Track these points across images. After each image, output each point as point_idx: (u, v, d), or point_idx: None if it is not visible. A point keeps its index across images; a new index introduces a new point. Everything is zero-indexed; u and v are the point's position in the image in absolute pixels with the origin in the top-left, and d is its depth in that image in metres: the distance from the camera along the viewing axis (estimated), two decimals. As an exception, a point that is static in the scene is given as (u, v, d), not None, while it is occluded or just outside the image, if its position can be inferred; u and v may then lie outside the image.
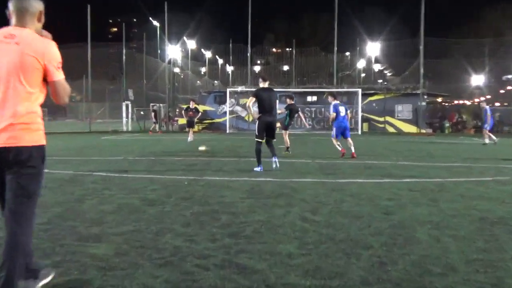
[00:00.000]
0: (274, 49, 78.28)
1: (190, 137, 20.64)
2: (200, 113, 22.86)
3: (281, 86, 37.11)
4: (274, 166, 9.95)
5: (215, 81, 52.90)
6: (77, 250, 4.20)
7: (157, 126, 32.58)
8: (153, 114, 33.14)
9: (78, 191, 7.33)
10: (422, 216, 5.63)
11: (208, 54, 60.91)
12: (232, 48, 48.93)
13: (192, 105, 22.10)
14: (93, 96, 40.42)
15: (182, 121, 32.84)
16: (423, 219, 5.46)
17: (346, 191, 7.43)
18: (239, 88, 34.53)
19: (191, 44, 57.14)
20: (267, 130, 10.05)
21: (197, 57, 60.03)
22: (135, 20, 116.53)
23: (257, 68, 66.40)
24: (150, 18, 46.15)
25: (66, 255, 4.04)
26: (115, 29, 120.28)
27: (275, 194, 7.11)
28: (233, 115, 32.51)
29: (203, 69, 61.70)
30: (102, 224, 5.15)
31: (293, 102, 15.58)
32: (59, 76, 3.01)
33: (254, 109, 10.17)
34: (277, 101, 10.37)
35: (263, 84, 10.27)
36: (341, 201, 6.61)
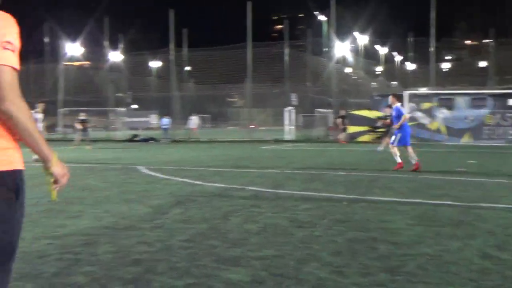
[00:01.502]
0: (467, 41, 73.73)
1: (391, 149, 20.95)
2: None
3: (475, 87, 34.73)
4: None
5: (392, 82, 51.74)
6: (212, 273, 4.41)
7: (343, 134, 32.53)
8: (339, 120, 33.03)
9: (226, 207, 7.73)
10: None
11: (383, 50, 59.90)
12: (413, 42, 47.36)
13: (388, 111, 22.23)
14: (255, 101, 42.55)
15: (353, 129, 32.71)
16: None
17: (550, 223, 6.62)
18: (421, 90, 33.20)
19: (363, 39, 56.76)
20: None
21: (370, 55, 59.42)
22: (300, 15, 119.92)
23: (445, 65, 63.23)
24: (316, 12, 47.03)
25: (200, 278, 4.27)
26: (280, 27, 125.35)
27: (453, 222, 6.63)
28: (413, 123, 31.32)
29: (378, 68, 60.81)
30: (243, 246, 5.34)
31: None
32: (2, 59, 2.15)
33: None
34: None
35: None
36: (542, 235, 5.90)
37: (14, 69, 2.18)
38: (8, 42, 2.18)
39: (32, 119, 2.25)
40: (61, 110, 43.95)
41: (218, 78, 50.65)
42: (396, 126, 13.76)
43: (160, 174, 12.51)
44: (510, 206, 7.90)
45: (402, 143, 13.57)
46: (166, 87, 44.74)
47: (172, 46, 38.56)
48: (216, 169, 13.89)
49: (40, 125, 17.42)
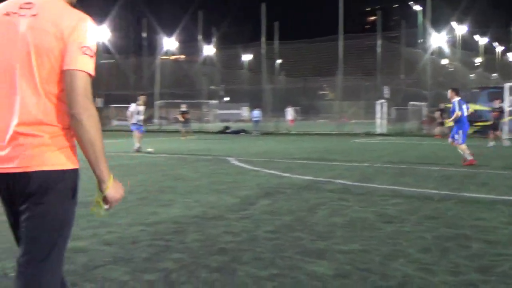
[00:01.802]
0: None
1: (506, 142, 20.23)
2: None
3: None
4: None
5: (492, 74, 49.10)
6: (296, 265, 4.41)
7: (439, 128, 31.16)
8: (438, 113, 31.62)
9: (313, 200, 7.70)
10: None
11: (483, 40, 56.95)
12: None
13: (497, 104, 21.46)
14: (347, 94, 41.97)
15: (450, 123, 31.35)
16: None
17: None
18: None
19: (461, 29, 54.25)
20: None
21: (468, 45, 56.67)
22: (394, 6, 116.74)
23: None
24: (410, 3, 45.54)
25: (284, 269, 4.28)
26: (373, 18, 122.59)
27: (554, 222, 6.20)
28: (514, 117, 29.62)
29: (477, 60, 57.90)
30: (328, 239, 5.29)
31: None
32: (80, 64, 2.15)
33: None
34: None
35: None
36: None
37: (90, 75, 2.17)
38: (88, 48, 2.17)
39: (101, 132, 2.19)
40: (157, 103, 45.65)
41: (309, 70, 50.44)
42: (449, 121, 13.80)
43: (249, 166, 12.68)
44: None
45: (464, 140, 13.24)
46: (257, 80, 45.19)
47: (263, 39, 38.84)
48: (304, 162, 13.86)
49: (142, 117, 17.98)
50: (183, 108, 28.76)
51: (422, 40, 41.26)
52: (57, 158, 2.19)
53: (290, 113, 36.52)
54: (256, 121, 34.59)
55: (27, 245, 2.22)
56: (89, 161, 2.19)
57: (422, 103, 37.43)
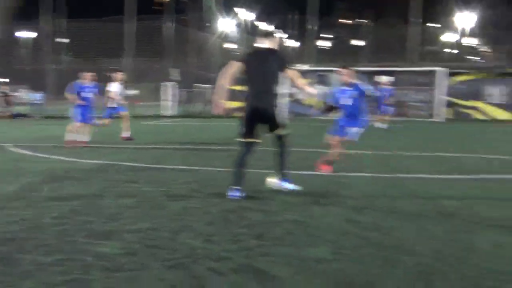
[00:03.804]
0: (345, 21, 76.97)
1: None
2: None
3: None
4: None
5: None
6: (83, 248, 4.44)
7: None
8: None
9: (101, 183, 7.68)
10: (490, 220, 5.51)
11: (266, 27, 60.99)
12: (295, 20, 48.78)
13: None
14: (136, 76, 41.59)
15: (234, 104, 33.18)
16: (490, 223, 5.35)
17: (404, 188, 7.37)
18: (304, 67, 34.37)
19: (247, 15, 57.38)
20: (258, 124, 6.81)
21: (255, 31, 60.19)
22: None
23: (324, 44, 65.61)
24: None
25: (70, 253, 4.28)
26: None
27: (319, 192, 7.13)
28: (291, 99, 32.43)
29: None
30: (117, 220, 5.40)
31: None
32: None
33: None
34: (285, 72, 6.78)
35: (261, 43, 6.98)
36: (396, 199, 6.58)
37: None
38: None
39: None
40: None
41: (97, 52, 48.69)
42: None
43: (31, 152, 11.99)
44: (370, 174, 8.62)
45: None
46: (39, 60, 42.44)
47: (44, 16, 36.55)
48: (92, 146, 13.54)
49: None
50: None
51: (209, 24, 42.74)
52: None
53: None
54: (36, 104, 32.51)
55: None
56: None
57: (208, 86, 38.88)
